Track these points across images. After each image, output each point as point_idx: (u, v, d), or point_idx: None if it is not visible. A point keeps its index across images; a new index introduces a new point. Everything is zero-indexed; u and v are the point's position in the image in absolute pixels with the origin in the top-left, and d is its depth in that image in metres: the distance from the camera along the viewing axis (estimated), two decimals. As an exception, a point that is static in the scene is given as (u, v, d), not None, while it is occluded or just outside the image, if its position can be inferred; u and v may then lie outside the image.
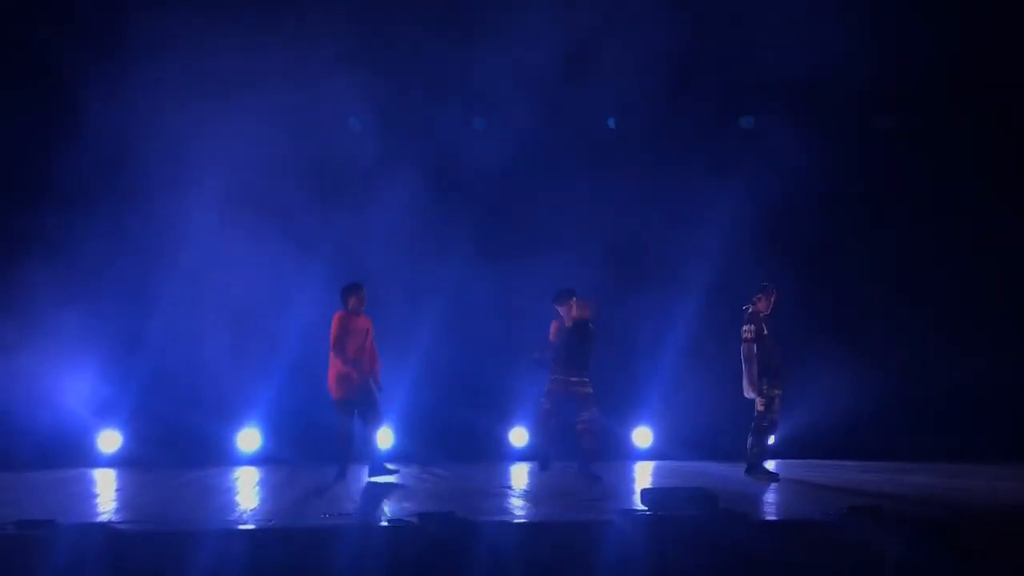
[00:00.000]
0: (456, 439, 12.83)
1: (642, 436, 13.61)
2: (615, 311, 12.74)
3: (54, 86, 12.74)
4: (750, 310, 10.57)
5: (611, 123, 14.05)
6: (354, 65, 12.25)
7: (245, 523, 7.09)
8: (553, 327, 10.87)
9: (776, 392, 10.44)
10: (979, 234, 13.78)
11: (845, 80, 13.11)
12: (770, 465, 10.71)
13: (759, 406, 10.43)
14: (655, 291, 13.23)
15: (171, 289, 12.61)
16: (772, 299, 10.61)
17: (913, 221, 13.93)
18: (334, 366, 10.03)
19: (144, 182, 12.59)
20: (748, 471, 10.42)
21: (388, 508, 7.95)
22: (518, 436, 13.41)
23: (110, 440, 12.89)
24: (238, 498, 9.05)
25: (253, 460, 12.86)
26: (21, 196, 12.82)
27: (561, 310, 10.86)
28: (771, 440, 10.71)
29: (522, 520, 7.28)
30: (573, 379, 10.67)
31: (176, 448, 12.41)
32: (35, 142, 12.83)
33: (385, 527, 6.77)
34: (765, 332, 10.48)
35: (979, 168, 13.67)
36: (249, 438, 13.04)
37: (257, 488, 9.94)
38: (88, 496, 9.44)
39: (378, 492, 9.12)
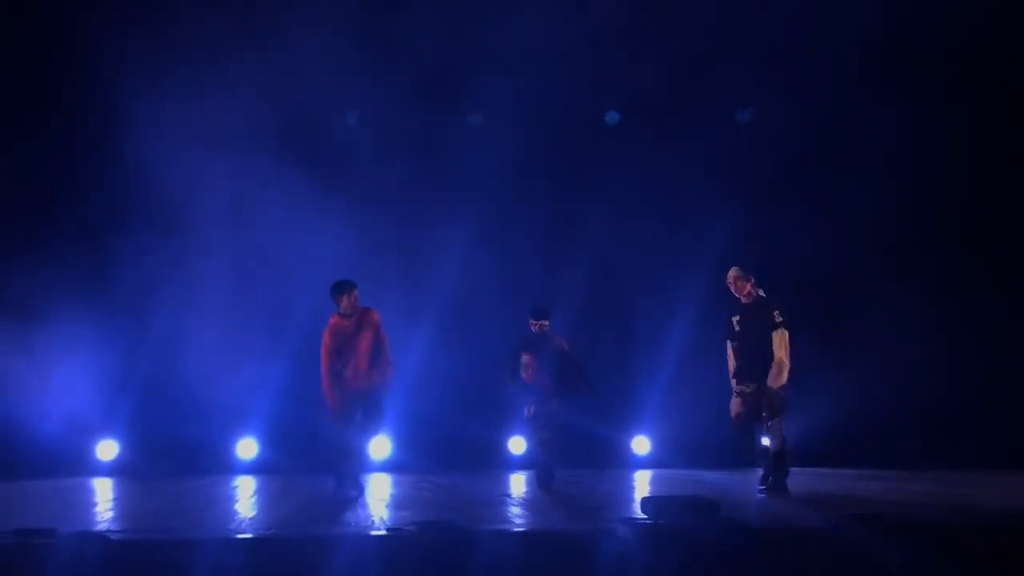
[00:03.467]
0: (454, 447, 12.75)
1: (640, 444, 13.58)
2: (612, 319, 12.73)
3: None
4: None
5: (612, 118, 13.75)
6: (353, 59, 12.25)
7: (243, 532, 7.06)
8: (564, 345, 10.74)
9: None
10: (985, 237, 13.67)
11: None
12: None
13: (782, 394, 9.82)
14: (652, 298, 13.22)
15: (169, 298, 12.61)
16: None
17: (911, 223, 13.73)
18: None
19: (146, 195, 12.54)
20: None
21: (387, 517, 7.92)
22: (516, 444, 13.36)
23: (108, 449, 12.87)
24: (236, 507, 9.02)
25: (251, 469, 12.82)
26: (26, 208, 12.83)
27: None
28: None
29: (521, 529, 7.25)
30: None
31: (174, 457, 12.37)
32: (43, 157, 12.85)
33: (384, 536, 6.75)
34: None
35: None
36: (247, 447, 13.02)
37: (255, 497, 9.90)
38: (87, 505, 9.40)
39: (376, 501, 9.10)
